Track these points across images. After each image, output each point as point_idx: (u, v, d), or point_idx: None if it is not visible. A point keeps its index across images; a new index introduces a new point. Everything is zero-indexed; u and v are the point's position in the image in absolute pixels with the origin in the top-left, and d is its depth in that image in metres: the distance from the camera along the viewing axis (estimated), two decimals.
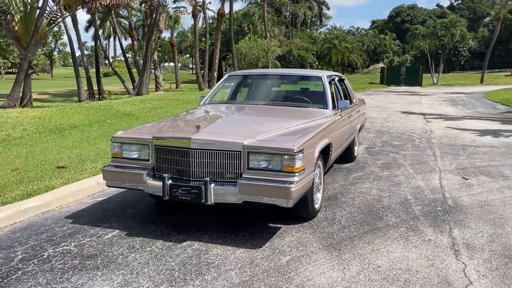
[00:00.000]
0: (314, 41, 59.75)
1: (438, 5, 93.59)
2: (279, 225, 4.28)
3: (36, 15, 14.72)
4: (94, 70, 34.46)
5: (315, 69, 59.82)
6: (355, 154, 7.31)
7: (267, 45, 34.46)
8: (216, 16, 35.28)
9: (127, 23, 44.94)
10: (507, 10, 40.97)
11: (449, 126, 12.52)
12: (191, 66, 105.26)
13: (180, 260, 3.48)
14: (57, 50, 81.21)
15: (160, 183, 3.92)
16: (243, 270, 3.33)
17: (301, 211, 4.28)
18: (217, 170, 3.84)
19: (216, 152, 3.81)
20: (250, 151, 3.75)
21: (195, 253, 3.63)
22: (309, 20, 66.31)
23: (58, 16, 16.45)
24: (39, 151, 7.62)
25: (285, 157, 3.66)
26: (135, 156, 4.20)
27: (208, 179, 3.74)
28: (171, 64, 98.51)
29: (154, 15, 22.59)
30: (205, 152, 3.82)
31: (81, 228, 4.19)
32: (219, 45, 32.07)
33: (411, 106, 19.23)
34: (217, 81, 32.04)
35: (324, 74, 5.81)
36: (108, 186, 4.39)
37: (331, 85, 5.71)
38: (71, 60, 27.49)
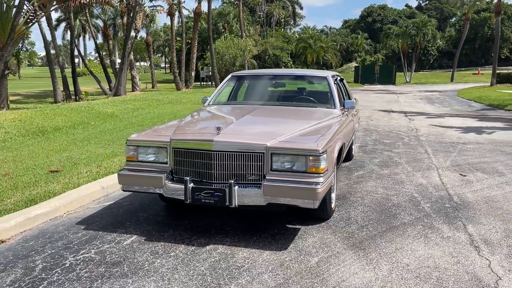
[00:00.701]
0: (288, 40, 60.07)
1: (407, 5, 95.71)
2: (297, 226, 4.27)
3: (13, 14, 14.21)
4: (69, 70, 33.56)
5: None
6: (353, 153, 7.39)
7: (244, 44, 34.43)
8: (192, 15, 35.00)
9: (97, 22, 44.10)
10: (474, 10, 42.24)
11: (432, 124, 12.82)
12: (162, 65, 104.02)
13: (208, 265, 3.43)
14: (24, 49, 78.57)
15: (182, 186, 3.85)
16: (275, 272, 3.30)
17: (319, 212, 4.28)
18: (239, 172, 3.80)
19: (238, 154, 3.77)
20: (273, 152, 3.73)
21: (221, 256, 3.58)
22: (283, 20, 66.62)
23: (35, 15, 15.93)
24: (27, 154, 7.38)
25: (310, 158, 3.65)
26: (152, 159, 4.11)
27: (232, 181, 3.70)
28: (143, 63, 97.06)
29: (131, 13, 22.22)
30: (227, 154, 3.77)
31: (97, 234, 4.07)
32: (196, 44, 31.82)
33: (390, 104, 19.58)
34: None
35: (329, 74, 5.85)
36: (124, 191, 4.28)
37: (336, 85, 5.75)
38: (38, 60, 26.66)
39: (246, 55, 34.76)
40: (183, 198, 3.87)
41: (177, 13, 34.44)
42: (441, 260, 3.53)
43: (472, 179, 6.16)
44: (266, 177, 3.74)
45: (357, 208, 4.82)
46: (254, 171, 3.78)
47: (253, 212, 4.55)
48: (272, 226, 4.27)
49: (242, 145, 3.77)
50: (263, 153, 3.74)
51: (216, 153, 3.78)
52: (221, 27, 47.56)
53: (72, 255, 3.60)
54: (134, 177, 4.06)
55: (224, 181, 3.80)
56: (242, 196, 3.71)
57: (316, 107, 5.44)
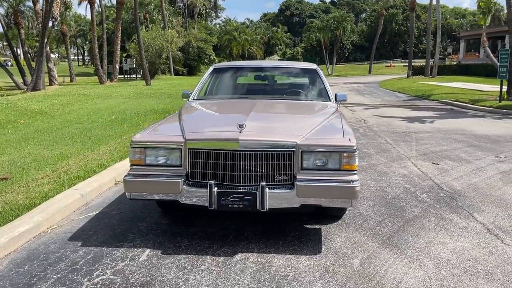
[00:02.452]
0: (210, 32, 59.39)
1: (321, 0, 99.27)
2: (316, 226, 4.08)
3: None
4: None
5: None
6: None
7: (171, 35, 33.28)
8: (111, 5, 33.02)
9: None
10: (386, 6, 44.86)
11: (375, 114, 13.33)
12: (72, 57, 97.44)
13: (250, 277, 3.12)
14: None
15: (204, 191, 3.47)
16: (325, 279, 3.09)
17: (337, 209, 4.13)
18: (267, 173, 3.50)
19: (266, 153, 3.47)
20: (304, 150, 3.48)
21: (258, 266, 3.28)
22: (204, 11, 65.67)
23: None
24: None
25: (345, 154, 3.47)
26: (162, 162, 3.65)
27: (264, 183, 3.40)
28: (52, 56, 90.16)
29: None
30: (254, 153, 3.46)
31: (101, 251, 3.54)
32: (119, 35, 30.08)
33: None
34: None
35: (316, 66, 5.70)
36: (131, 199, 3.77)
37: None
38: None
39: (173, 46, 33.68)
40: (207, 205, 3.49)
41: (97, 1, 32.28)
42: (475, 252, 3.55)
43: (446, 168, 6.40)
44: (297, 177, 3.49)
45: (362, 203, 4.74)
46: (283, 171, 3.51)
47: (256, 214, 4.26)
48: (290, 227, 4.03)
49: (271, 144, 3.48)
50: (293, 151, 3.48)
51: (242, 153, 3.44)
52: (142, 18, 45.54)
53: (86, 279, 3.07)
54: (145, 183, 3.57)
55: (251, 184, 3.49)
56: (274, 199, 3.43)
57: (312, 100, 5.27)
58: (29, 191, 4.91)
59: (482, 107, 14.47)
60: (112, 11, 43.26)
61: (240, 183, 3.49)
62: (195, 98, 5.34)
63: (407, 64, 55.99)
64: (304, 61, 42.51)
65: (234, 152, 3.45)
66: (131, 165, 3.69)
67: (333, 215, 4.25)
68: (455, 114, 13.48)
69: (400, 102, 17.85)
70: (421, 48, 79.91)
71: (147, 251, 3.54)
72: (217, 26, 69.81)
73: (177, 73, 45.52)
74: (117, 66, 30.25)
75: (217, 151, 3.49)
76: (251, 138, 3.47)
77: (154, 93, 20.40)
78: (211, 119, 4.39)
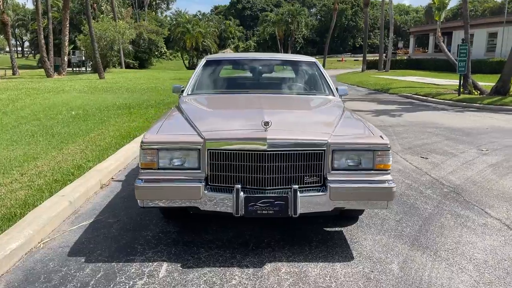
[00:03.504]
0: (161, 24, 57.84)
1: None
2: (336, 229, 3.86)
3: None
4: None
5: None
6: None
7: (123, 27, 31.92)
8: None
9: None
10: (339, 1, 45.59)
11: None
12: (7, 49, 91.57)
13: None
14: None
15: (229, 196, 3.13)
16: None
17: (355, 211, 3.92)
18: (296, 175, 3.21)
19: (295, 154, 3.18)
20: (336, 149, 3.22)
21: (294, 277, 3.00)
22: (154, 2, 63.83)
23: None
24: None
25: (378, 153, 3.25)
26: (178, 164, 3.26)
27: (296, 186, 3.11)
28: None
29: None
30: (282, 154, 3.16)
31: (111, 267, 3.11)
32: (68, 25, 28.37)
33: None
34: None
35: (314, 59, 5.46)
36: (144, 208, 3.34)
37: None
38: None
39: (126, 38, 32.36)
40: (231, 211, 3.15)
41: None
42: (506, 250, 3.46)
43: (436, 162, 6.40)
44: (328, 178, 3.23)
45: None
46: (313, 172, 3.23)
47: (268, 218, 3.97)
48: (310, 231, 3.78)
49: (301, 143, 3.19)
50: (324, 150, 3.21)
51: (270, 154, 3.13)
52: (90, 8, 43.38)
53: None
54: (160, 189, 3.17)
55: (278, 187, 3.19)
56: (306, 203, 3.15)
57: (315, 94, 5.01)
58: (2, 199, 4.35)
59: (443, 101, 14.92)
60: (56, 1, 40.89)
61: (266, 186, 3.18)
62: (190, 93, 4.93)
63: (357, 58, 57.33)
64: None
65: (260, 152, 3.13)
66: (141, 168, 3.27)
67: (350, 216, 4.04)
68: (418, 107, 13.79)
69: (362, 95, 18.10)
70: (369, 43, 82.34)
71: (165, 265, 3.15)
72: (168, 18, 68.20)
73: (127, 66, 43.94)
74: (66, 59, 28.56)
75: (241, 151, 3.16)
76: (280, 137, 3.17)
77: (110, 87, 19.41)
78: (225, 117, 4.01)
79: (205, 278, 2.96)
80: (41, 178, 5.14)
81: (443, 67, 31.15)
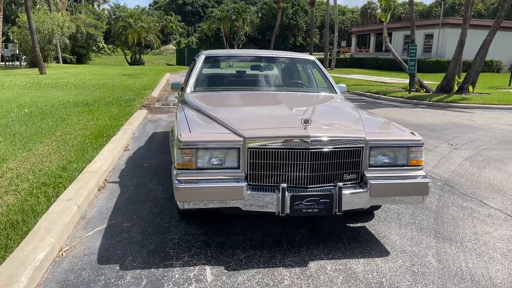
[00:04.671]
0: (98, 17, 55.41)
1: None
2: (358, 224, 3.92)
3: None
4: None
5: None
6: None
7: (62, 19, 30.15)
8: None
9: None
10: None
11: None
12: None
13: (346, 287, 2.84)
14: None
15: (273, 196, 3.07)
16: (422, 282, 2.93)
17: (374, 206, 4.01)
18: (336, 172, 3.23)
19: (336, 151, 3.19)
20: (373, 146, 3.28)
21: (343, 274, 3.01)
22: None
23: None
24: None
25: (412, 149, 3.34)
26: (217, 164, 3.15)
27: (341, 184, 3.12)
28: None
29: None
30: (324, 152, 3.15)
31: (152, 274, 2.94)
32: (1, 16, 26.26)
33: None
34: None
35: (313, 57, 5.50)
36: (183, 210, 3.18)
37: None
38: None
39: (66, 31, 30.61)
40: (274, 210, 3.10)
41: None
42: None
43: None
44: (366, 175, 3.27)
45: None
46: (352, 170, 3.27)
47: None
48: (335, 228, 3.81)
49: (342, 140, 3.20)
50: (362, 147, 3.25)
51: (313, 152, 3.12)
52: None
53: None
54: (202, 190, 3.03)
55: (319, 185, 3.19)
56: (349, 200, 3.17)
57: (319, 92, 5.05)
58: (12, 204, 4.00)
59: (395, 98, 15.63)
60: None
61: (308, 184, 3.16)
62: (193, 90, 4.77)
63: None
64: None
65: (303, 150, 3.11)
66: (178, 169, 3.13)
67: (367, 211, 4.12)
68: (374, 104, 14.33)
69: None
70: (309, 42, 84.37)
71: (207, 268, 3.04)
72: (106, 11, 65.55)
73: (64, 61, 41.63)
74: (0, 53, 26.51)
75: (285, 149, 3.12)
76: (322, 134, 3.16)
77: (55, 83, 18.30)
78: (256, 114, 3.91)
79: (256, 280, 2.89)
80: (24, 182, 4.77)
81: (384, 65, 32.67)
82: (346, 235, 3.68)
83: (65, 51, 42.31)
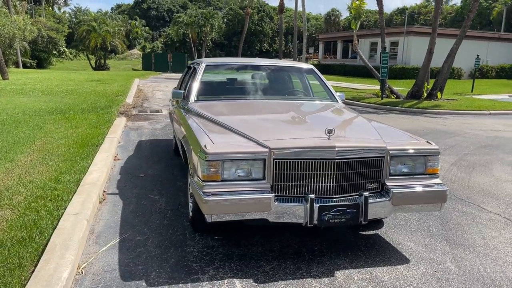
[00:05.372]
0: (59, 21, 53.82)
1: None
2: (371, 232, 3.97)
3: None
4: None
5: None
6: None
7: (23, 23, 29.06)
8: None
9: None
10: (251, 6, 46.36)
11: None
12: None
13: None
14: None
15: (300, 206, 3.07)
16: None
17: None
18: (359, 182, 3.27)
19: (360, 161, 3.23)
20: (393, 155, 3.34)
21: (372, 283, 3.04)
22: None
23: None
24: None
25: (429, 158, 3.43)
26: (243, 175, 3.12)
27: (367, 193, 3.16)
28: None
29: None
30: (348, 162, 3.19)
31: None
32: None
33: None
34: None
35: (312, 66, 5.55)
36: (211, 223, 3.10)
37: None
38: None
39: (28, 35, 29.53)
40: (302, 221, 3.10)
41: None
42: None
43: None
44: (387, 184, 3.33)
45: None
46: (374, 179, 3.31)
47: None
48: (350, 237, 3.85)
49: (366, 149, 3.24)
50: (383, 156, 3.31)
51: (338, 162, 3.14)
52: None
53: None
54: (230, 202, 2.99)
55: (344, 195, 3.21)
56: (373, 209, 3.21)
57: (322, 100, 5.11)
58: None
59: (368, 104, 16.00)
60: None
61: (333, 194, 3.18)
62: (197, 99, 4.71)
63: None
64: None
65: (329, 160, 3.12)
66: (203, 181, 3.07)
67: (377, 219, 4.18)
68: None
69: None
70: (276, 48, 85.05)
71: (236, 282, 2.99)
72: (67, 14, 63.79)
73: (24, 66, 40.15)
74: None
75: (310, 160, 3.12)
76: (346, 144, 3.20)
77: (20, 89, 17.59)
78: (275, 124, 3.89)
79: None
80: (16, 195, 4.56)
81: (351, 72, 33.39)
82: (363, 243, 3.72)
83: (24, 55, 40.83)
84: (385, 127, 4.05)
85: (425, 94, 16.56)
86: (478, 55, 22.56)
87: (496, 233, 4.04)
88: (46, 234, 3.55)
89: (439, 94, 16.49)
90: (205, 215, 3.01)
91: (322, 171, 3.14)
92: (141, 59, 50.68)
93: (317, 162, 3.12)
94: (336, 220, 3.11)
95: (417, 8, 72.43)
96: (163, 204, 4.56)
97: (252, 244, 3.61)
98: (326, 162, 3.12)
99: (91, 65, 43.53)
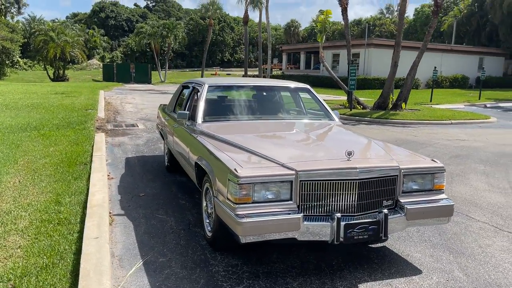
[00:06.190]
0: (13, 30, 51.88)
1: (135, 4, 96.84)
2: (377, 245, 4.22)
3: None
4: None
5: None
6: None
7: None
8: None
9: None
10: (214, 16, 46.57)
11: None
12: None
13: None
14: None
15: (327, 225, 3.28)
16: None
17: None
18: (377, 200, 3.51)
19: (377, 180, 3.48)
20: (406, 173, 3.62)
21: None
22: (3, 6, 56.96)
23: None
24: None
25: (436, 175, 3.73)
26: (272, 197, 3.29)
27: (386, 211, 3.41)
28: None
29: None
30: (368, 181, 3.43)
31: None
32: None
33: None
34: None
35: (308, 85, 5.81)
36: (243, 244, 3.23)
37: None
38: None
39: None
40: (328, 239, 3.31)
41: None
42: None
43: None
44: (400, 201, 3.60)
45: None
46: (389, 196, 3.57)
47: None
48: (361, 250, 4.08)
49: (383, 169, 3.49)
50: (397, 175, 3.58)
51: (359, 182, 3.37)
52: None
53: None
54: (263, 224, 3.14)
55: (365, 212, 3.45)
56: (391, 225, 3.46)
57: (320, 119, 5.35)
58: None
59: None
60: None
61: (355, 213, 3.41)
62: (205, 120, 4.83)
63: (228, 72, 59.23)
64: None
65: (351, 180, 3.35)
66: (234, 203, 3.22)
67: None
68: None
69: None
70: (236, 58, 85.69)
71: None
72: (20, 24, 61.59)
73: None
74: None
75: (334, 181, 3.34)
76: (366, 165, 3.44)
77: None
78: (292, 146, 4.08)
79: None
80: (19, 219, 4.53)
81: (315, 83, 34.12)
82: (374, 256, 3.96)
83: None
84: (389, 146, 4.33)
85: (390, 105, 17.29)
86: (435, 67, 23.82)
87: (489, 241, 4.40)
88: (68, 260, 3.57)
89: (403, 105, 17.27)
90: (240, 236, 3.15)
91: (345, 190, 3.36)
92: (101, 69, 49.61)
93: (340, 182, 3.34)
94: (360, 237, 3.33)
95: (372, 20, 75.18)
96: (173, 224, 4.63)
97: (273, 262, 3.77)
98: (348, 182, 3.35)
99: (49, 76, 42.13)
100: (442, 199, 3.72)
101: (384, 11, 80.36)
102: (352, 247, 4.12)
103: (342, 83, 19.33)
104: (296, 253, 3.94)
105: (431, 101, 23.25)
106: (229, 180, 3.28)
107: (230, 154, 3.67)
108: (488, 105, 23.08)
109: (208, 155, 3.89)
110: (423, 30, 58.44)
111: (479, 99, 25.50)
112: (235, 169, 3.26)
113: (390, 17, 76.89)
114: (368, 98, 22.69)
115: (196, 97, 5.24)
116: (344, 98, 20.48)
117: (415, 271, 3.67)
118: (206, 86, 5.19)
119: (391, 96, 17.66)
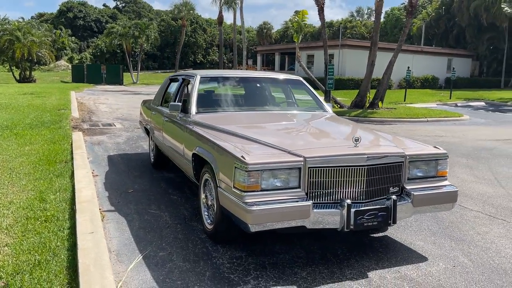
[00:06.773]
0: None
1: (104, 5, 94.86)
2: (379, 234, 4.19)
3: None
4: None
5: None
6: None
7: None
8: None
9: None
10: (188, 18, 46.17)
11: None
12: None
13: None
14: None
15: (337, 212, 3.20)
16: (471, 281, 3.27)
17: None
18: (384, 186, 3.46)
19: (384, 166, 3.43)
20: (411, 160, 3.59)
21: (406, 281, 3.23)
22: None
23: None
24: None
25: (440, 161, 3.72)
26: (280, 185, 3.19)
27: (395, 197, 3.36)
28: None
29: None
30: (376, 167, 3.37)
31: None
32: None
33: None
34: None
35: (300, 77, 5.74)
36: (253, 232, 3.10)
37: None
38: None
39: None
40: (338, 226, 3.23)
41: None
42: None
43: None
44: (406, 187, 3.56)
45: None
46: (395, 183, 3.53)
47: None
48: (363, 239, 4.03)
49: (388, 156, 3.45)
50: (403, 162, 3.54)
51: (367, 168, 3.32)
52: None
53: None
54: (272, 212, 3.03)
55: (372, 199, 3.39)
56: (399, 212, 3.42)
57: (315, 110, 5.29)
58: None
59: None
60: None
61: (363, 199, 3.35)
62: (199, 111, 4.68)
63: None
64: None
65: (359, 167, 3.29)
66: (243, 191, 3.09)
67: None
68: None
69: None
70: (209, 59, 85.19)
71: None
72: None
73: None
74: None
75: (342, 167, 3.27)
76: (373, 151, 3.39)
77: None
78: (296, 134, 3.98)
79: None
80: (2, 217, 4.27)
81: None
82: (378, 244, 3.92)
83: None
84: (389, 135, 4.31)
85: (367, 104, 17.49)
86: (408, 67, 24.30)
87: (486, 228, 4.44)
88: (62, 256, 3.37)
89: (380, 104, 17.50)
90: (249, 225, 3.03)
91: (353, 177, 3.29)
92: (69, 70, 48.29)
93: (348, 168, 3.27)
94: (369, 224, 3.27)
95: (344, 22, 76.25)
96: (168, 218, 4.47)
97: (277, 252, 3.66)
98: (356, 168, 3.28)
99: (14, 77, 40.65)
100: (446, 185, 3.71)
101: (354, 14, 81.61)
102: (353, 236, 4.07)
103: (319, 83, 19.45)
104: (299, 244, 3.85)
105: (405, 100, 23.69)
106: (235, 168, 3.16)
107: (233, 143, 3.55)
108: (459, 104, 23.74)
109: (209, 145, 3.76)
110: (393, 33, 59.79)
111: (450, 98, 26.17)
112: (242, 157, 3.14)
113: (361, 19, 78.20)
114: (343, 98, 22.90)
115: (187, 90, 5.09)
116: (321, 97, 20.59)
117: (421, 258, 3.64)
118: (199, 77, 5.04)
119: (368, 95, 17.87)
